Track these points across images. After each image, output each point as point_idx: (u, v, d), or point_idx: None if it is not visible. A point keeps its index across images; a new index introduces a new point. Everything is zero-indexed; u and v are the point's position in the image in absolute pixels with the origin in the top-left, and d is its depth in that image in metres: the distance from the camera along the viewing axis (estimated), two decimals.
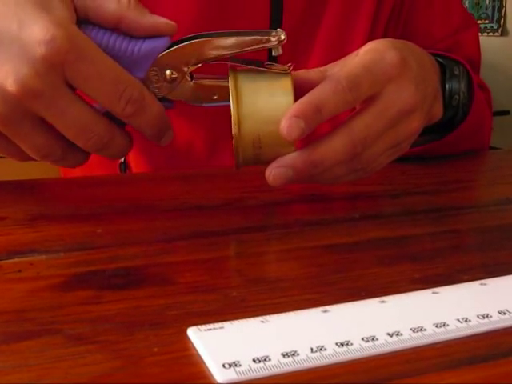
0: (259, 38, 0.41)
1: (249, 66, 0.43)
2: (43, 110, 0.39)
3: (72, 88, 0.39)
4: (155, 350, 0.26)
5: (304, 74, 0.45)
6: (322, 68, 0.46)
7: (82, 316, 0.29)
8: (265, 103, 0.42)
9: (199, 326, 0.27)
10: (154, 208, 0.46)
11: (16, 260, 0.35)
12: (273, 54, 0.42)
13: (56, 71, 0.38)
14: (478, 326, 0.28)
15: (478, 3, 3.17)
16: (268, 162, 0.43)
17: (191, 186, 0.53)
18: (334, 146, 0.42)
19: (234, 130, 0.41)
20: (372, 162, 0.44)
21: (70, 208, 0.45)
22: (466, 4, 3.20)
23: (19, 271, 0.33)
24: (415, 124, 0.45)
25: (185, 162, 0.67)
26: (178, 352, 0.26)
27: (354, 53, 0.46)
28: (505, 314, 0.29)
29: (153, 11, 0.42)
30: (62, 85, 0.38)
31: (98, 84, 0.39)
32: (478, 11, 3.17)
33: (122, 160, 0.68)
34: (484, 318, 0.29)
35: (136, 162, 0.68)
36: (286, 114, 0.40)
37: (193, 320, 0.28)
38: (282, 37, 0.42)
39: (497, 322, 0.29)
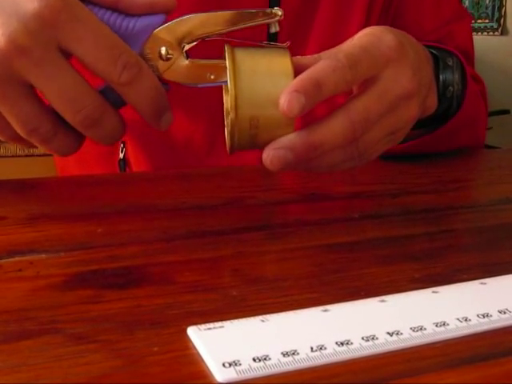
0: (256, 12, 0.41)
1: (246, 41, 0.42)
2: (31, 72, 0.37)
3: (67, 57, 0.38)
4: (155, 349, 0.26)
5: (298, 59, 0.44)
6: (315, 55, 0.45)
7: (82, 315, 0.29)
8: (264, 82, 0.40)
9: (199, 326, 0.27)
10: (154, 207, 0.46)
11: (16, 259, 0.35)
12: (270, 30, 0.42)
13: (48, 30, 0.37)
14: (478, 325, 0.28)
15: (478, 2, 3.17)
16: (264, 145, 0.41)
17: (191, 186, 0.53)
18: (334, 128, 0.40)
19: (231, 110, 0.39)
20: (369, 148, 0.43)
21: (70, 207, 0.45)
22: (466, 3, 3.20)
23: (19, 270, 0.33)
24: (413, 110, 0.45)
25: (184, 157, 0.67)
26: (178, 351, 0.26)
27: (349, 39, 0.46)
28: (505, 313, 0.29)
29: None
30: (53, 47, 0.37)
31: (92, 46, 0.37)
32: (478, 10, 3.17)
33: (121, 156, 0.68)
34: (484, 317, 0.29)
35: (135, 158, 0.68)
36: (285, 90, 0.38)
37: (193, 319, 0.28)
38: (279, 13, 0.41)
39: (497, 321, 0.29)
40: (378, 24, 0.69)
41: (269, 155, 0.40)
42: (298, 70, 0.41)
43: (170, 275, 0.34)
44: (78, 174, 0.71)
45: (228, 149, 0.42)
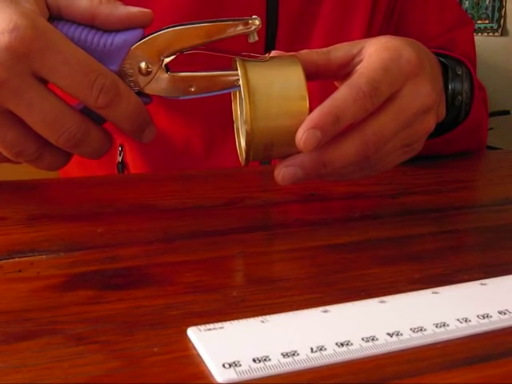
0: (234, 23, 0.41)
1: (254, 54, 0.41)
2: (10, 101, 0.38)
3: (44, 82, 0.39)
4: (155, 350, 0.26)
5: (307, 55, 0.44)
6: (324, 50, 0.45)
7: (82, 316, 0.29)
8: (278, 98, 0.40)
9: (199, 326, 0.27)
10: (154, 208, 0.46)
11: (16, 260, 0.35)
12: (249, 40, 0.41)
13: (21, 61, 0.37)
14: (478, 326, 0.28)
15: (478, 3, 3.17)
16: (277, 158, 0.42)
17: (191, 186, 0.53)
18: (346, 148, 0.40)
19: (247, 127, 0.40)
20: (381, 160, 0.43)
21: (70, 208, 0.45)
22: (466, 4, 3.20)
23: (19, 271, 0.33)
24: (429, 123, 0.44)
25: (183, 159, 0.67)
26: (178, 352, 0.26)
27: (363, 40, 0.45)
28: (505, 314, 0.29)
29: (146, 8, 0.41)
30: (28, 76, 0.38)
31: (66, 73, 0.38)
32: (477, 11, 3.17)
33: (120, 159, 0.68)
34: (484, 318, 0.29)
35: (133, 161, 0.68)
36: (303, 124, 0.39)
37: (193, 320, 0.28)
38: (257, 22, 0.41)
39: (497, 322, 0.29)
40: (381, 28, 0.69)
41: (280, 172, 0.41)
42: (307, 68, 0.41)
43: (170, 276, 0.34)
44: (79, 176, 0.71)
45: (242, 162, 0.43)
